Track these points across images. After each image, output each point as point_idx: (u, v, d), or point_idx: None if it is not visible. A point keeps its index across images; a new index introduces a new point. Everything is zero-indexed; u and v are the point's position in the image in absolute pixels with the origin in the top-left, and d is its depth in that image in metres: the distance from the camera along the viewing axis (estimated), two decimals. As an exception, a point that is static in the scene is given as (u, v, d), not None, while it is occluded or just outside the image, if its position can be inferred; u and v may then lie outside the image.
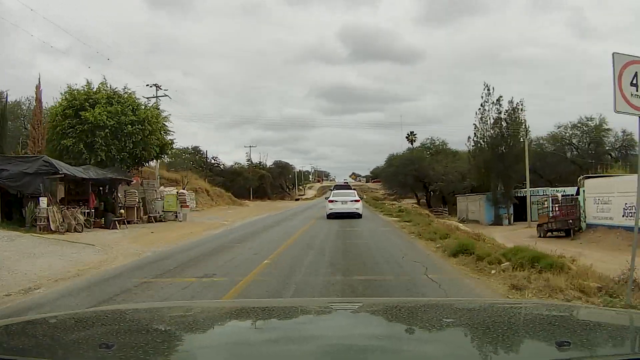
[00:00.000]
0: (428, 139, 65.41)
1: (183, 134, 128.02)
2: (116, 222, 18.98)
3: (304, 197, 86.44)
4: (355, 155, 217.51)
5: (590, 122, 44.03)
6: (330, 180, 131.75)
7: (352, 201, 23.67)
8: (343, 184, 59.33)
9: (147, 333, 1.70)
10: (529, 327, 1.69)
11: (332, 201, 23.98)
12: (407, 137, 74.55)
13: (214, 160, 64.31)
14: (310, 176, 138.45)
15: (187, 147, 59.65)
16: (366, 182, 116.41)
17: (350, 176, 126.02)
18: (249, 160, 70.22)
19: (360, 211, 23.45)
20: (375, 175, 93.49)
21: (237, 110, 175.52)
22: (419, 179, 54.46)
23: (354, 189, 32.48)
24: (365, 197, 48.97)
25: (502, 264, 8.52)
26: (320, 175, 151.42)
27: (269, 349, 1.49)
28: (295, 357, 1.40)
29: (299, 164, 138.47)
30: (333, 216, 22.84)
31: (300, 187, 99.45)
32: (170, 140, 24.28)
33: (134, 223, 20.99)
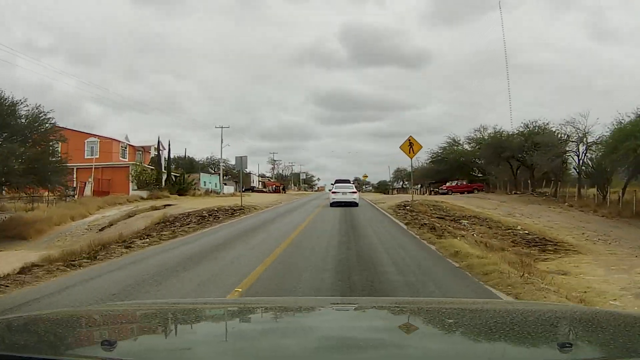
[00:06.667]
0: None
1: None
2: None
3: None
4: (354, 167, 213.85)
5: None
6: (316, 190, 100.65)
7: (350, 192, 28.35)
8: (343, 178, 60.25)
9: (149, 330, 1.70)
10: (530, 328, 1.69)
11: (334, 192, 28.53)
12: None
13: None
14: (259, 183, 76.14)
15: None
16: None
17: (354, 180, 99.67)
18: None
19: (357, 200, 27.66)
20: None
21: (231, 118, 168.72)
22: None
23: (353, 183, 37.83)
24: None
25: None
26: (284, 179, 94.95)
27: (269, 346, 1.50)
28: (294, 352, 1.41)
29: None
30: (335, 205, 26.60)
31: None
32: None
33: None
